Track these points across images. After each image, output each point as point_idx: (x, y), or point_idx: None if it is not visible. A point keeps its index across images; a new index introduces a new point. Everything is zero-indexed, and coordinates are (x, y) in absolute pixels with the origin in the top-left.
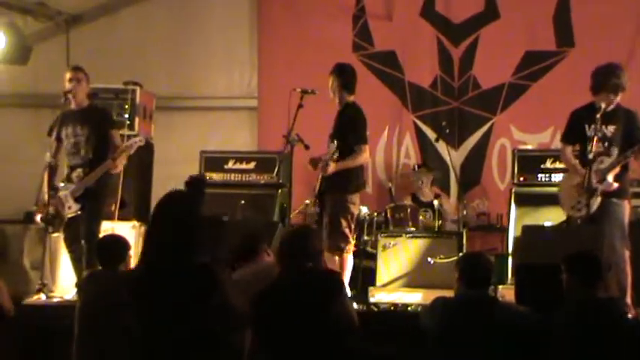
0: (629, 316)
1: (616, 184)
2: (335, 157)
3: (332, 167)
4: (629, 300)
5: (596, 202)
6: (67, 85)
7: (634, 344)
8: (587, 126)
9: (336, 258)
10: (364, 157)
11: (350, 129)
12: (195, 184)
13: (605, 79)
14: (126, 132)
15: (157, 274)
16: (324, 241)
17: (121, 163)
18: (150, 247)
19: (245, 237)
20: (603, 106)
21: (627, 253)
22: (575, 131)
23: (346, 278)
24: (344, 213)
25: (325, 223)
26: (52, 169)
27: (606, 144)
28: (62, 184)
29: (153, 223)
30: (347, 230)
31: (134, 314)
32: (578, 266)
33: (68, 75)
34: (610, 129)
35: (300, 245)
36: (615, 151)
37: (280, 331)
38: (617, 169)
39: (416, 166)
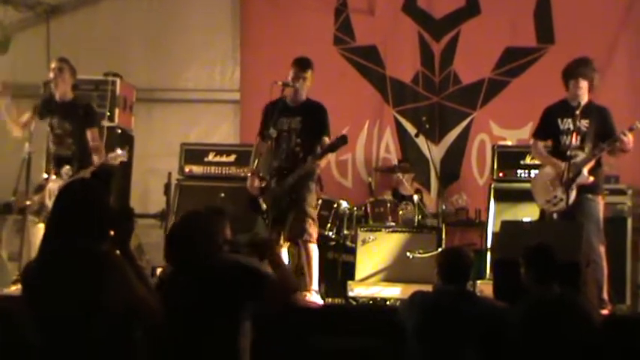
0: (587, 309)
1: (591, 178)
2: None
3: (323, 164)
4: (605, 295)
5: (572, 196)
6: (51, 75)
7: (587, 339)
8: (560, 120)
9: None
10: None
11: (324, 120)
12: (101, 174)
13: (576, 65)
14: (106, 124)
15: (50, 263)
16: (287, 230)
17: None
18: (46, 236)
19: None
20: (580, 94)
21: (603, 249)
22: (547, 127)
23: (315, 269)
24: (312, 198)
25: (291, 211)
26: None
27: (579, 138)
28: (53, 177)
29: (51, 211)
30: (314, 217)
31: (28, 306)
32: (532, 260)
33: (52, 65)
34: (584, 124)
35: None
36: (588, 146)
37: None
38: (591, 163)
39: (396, 163)
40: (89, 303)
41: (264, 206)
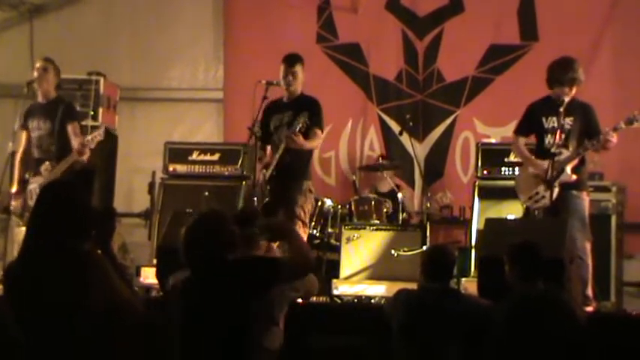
0: (571, 306)
1: (574, 176)
2: (303, 129)
3: (301, 139)
4: (589, 292)
5: (554, 193)
6: (35, 75)
7: (571, 336)
8: (544, 118)
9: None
10: (320, 142)
11: (316, 112)
12: (83, 173)
13: (562, 72)
14: (90, 123)
15: (32, 262)
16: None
17: (83, 155)
18: (27, 236)
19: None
20: (567, 99)
21: (588, 245)
22: (529, 123)
23: None
24: (303, 201)
25: (284, 212)
26: (24, 161)
27: (563, 136)
28: (31, 178)
29: (32, 211)
30: (306, 219)
31: (10, 305)
32: (516, 258)
33: (37, 64)
34: (567, 121)
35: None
36: (573, 144)
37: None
38: (575, 161)
39: (379, 161)
40: (71, 302)
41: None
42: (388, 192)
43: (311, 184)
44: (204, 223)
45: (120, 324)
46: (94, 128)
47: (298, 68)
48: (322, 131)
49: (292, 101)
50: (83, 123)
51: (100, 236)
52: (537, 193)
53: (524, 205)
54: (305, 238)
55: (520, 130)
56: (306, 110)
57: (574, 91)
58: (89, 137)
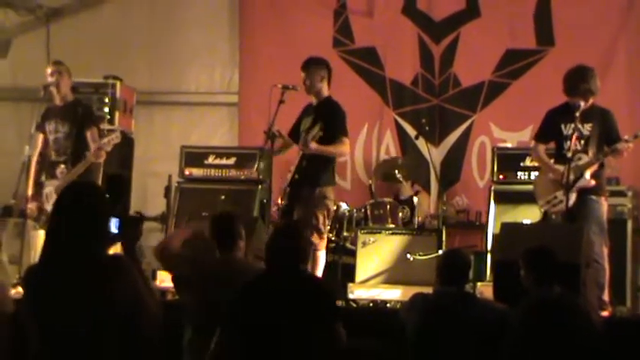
0: (587, 311)
1: (593, 182)
2: (317, 135)
3: (314, 145)
4: (606, 297)
5: (572, 197)
6: (51, 80)
7: (587, 341)
8: (563, 125)
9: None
10: (345, 148)
11: (334, 119)
12: (114, 181)
13: (575, 84)
14: (106, 126)
15: (54, 266)
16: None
17: (99, 158)
18: (48, 239)
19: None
20: (582, 105)
21: (606, 250)
22: (549, 130)
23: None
24: (321, 208)
25: (298, 218)
26: (40, 164)
27: (583, 142)
28: (47, 181)
29: (52, 213)
30: (322, 226)
31: (28, 311)
32: (532, 262)
33: (49, 69)
34: (587, 127)
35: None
36: (592, 149)
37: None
38: (594, 167)
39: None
40: (93, 306)
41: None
42: (407, 199)
43: (329, 191)
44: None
45: (140, 329)
46: (111, 132)
47: (312, 70)
48: (346, 137)
49: (316, 106)
50: (100, 127)
51: (126, 241)
52: (555, 197)
53: (542, 210)
54: (321, 245)
55: (540, 137)
56: (326, 116)
57: (590, 101)
58: (105, 140)
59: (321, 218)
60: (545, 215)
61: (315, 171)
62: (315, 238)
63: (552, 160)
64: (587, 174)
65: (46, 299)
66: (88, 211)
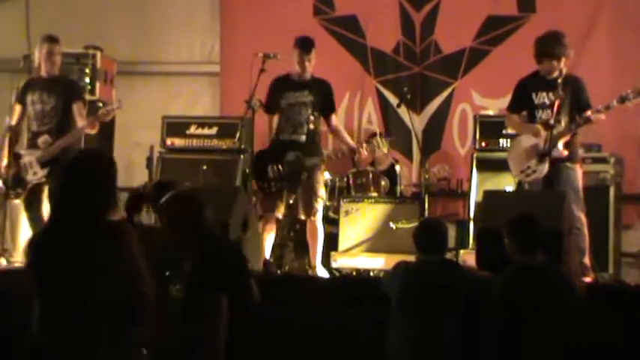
0: (570, 278)
1: (566, 152)
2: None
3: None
4: (587, 261)
5: (545, 167)
6: (48, 59)
7: (570, 306)
8: (534, 94)
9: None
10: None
11: (332, 96)
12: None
13: (550, 46)
14: (87, 97)
15: (59, 234)
16: (299, 207)
17: (94, 129)
18: (53, 207)
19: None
20: (556, 73)
21: (583, 216)
22: (521, 100)
23: (320, 246)
24: (322, 178)
25: (303, 187)
26: (15, 134)
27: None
28: (27, 150)
29: (58, 182)
30: (323, 197)
31: (33, 279)
32: (516, 230)
33: (46, 47)
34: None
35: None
36: (565, 119)
37: None
38: (567, 137)
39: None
40: (97, 269)
41: (273, 174)
42: (387, 169)
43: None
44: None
45: (136, 294)
46: (93, 104)
47: (313, 54)
48: (336, 115)
49: (307, 82)
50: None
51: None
52: (529, 167)
53: (516, 179)
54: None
55: (513, 107)
56: (324, 94)
57: (562, 63)
58: (104, 110)
59: (322, 189)
60: (520, 185)
61: (316, 146)
62: (318, 207)
63: None
64: (560, 144)
65: (48, 264)
66: (92, 178)
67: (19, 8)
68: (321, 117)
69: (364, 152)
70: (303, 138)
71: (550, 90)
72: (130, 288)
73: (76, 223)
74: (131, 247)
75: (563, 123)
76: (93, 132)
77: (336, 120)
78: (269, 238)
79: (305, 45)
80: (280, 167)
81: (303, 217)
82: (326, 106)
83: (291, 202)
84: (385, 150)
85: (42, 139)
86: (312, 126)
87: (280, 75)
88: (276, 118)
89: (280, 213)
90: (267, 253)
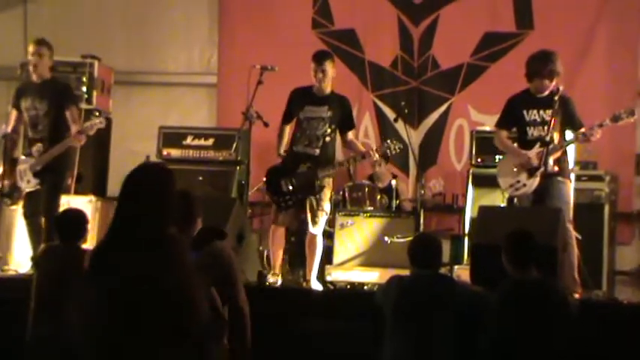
0: (564, 294)
1: (556, 168)
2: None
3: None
4: (576, 276)
5: (535, 182)
6: (31, 59)
7: (561, 324)
8: (525, 111)
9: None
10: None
11: (350, 115)
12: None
13: (541, 65)
14: (84, 106)
15: (118, 246)
16: (309, 219)
17: (80, 142)
18: (116, 218)
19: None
20: (547, 92)
21: (572, 227)
22: (511, 117)
23: (317, 261)
24: (330, 193)
25: (311, 200)
26: (12, 141)
27: (546, 128)
28: (22, 157)
29: (123, 193)
30: (328, 213)
31: (91, 288)
32: (510, 246)
33: (31, 48)
34: (548, 113)
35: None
36: (555, 135)
37: None
38: (558, 153)
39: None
40: (157, 283)
41: (287, 188)
42: (386, 187)
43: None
44: None
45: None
46: (90, 113)
47: (328, 65)
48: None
49: (327, 97)
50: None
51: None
52: (519, 182)
53: (505, 193)
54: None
55: (501, 124)
56: (344, 110)
57: (554, 83)
58: (88, 124)
59: (329, 202)
60: (510, 200)
61: (328, 158)
62: (324, 219)
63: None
64: (551, 160)
65: (112, 277)
66: (154, 191)
67: (17, 17)
68: (336, 132)
69: (375, 156)
70: (317, 152)
71: (541, 107)
72: (183, 302)
73: (136, 234)
74: (185, 259)
75: (555, 139)
76: (80, 144)
77: (352, 135)
78: (279, 251)
79: (317, 56)
80: (293, 180)
81: (299, 227)
82: (345, 122)
83: (302, 216)
84: (398, 150)
85: (35, 148)
86: (327, 139)
87: (302, 86)
88: (288, 128)
89: (292, 226)
90: (277, 266)
